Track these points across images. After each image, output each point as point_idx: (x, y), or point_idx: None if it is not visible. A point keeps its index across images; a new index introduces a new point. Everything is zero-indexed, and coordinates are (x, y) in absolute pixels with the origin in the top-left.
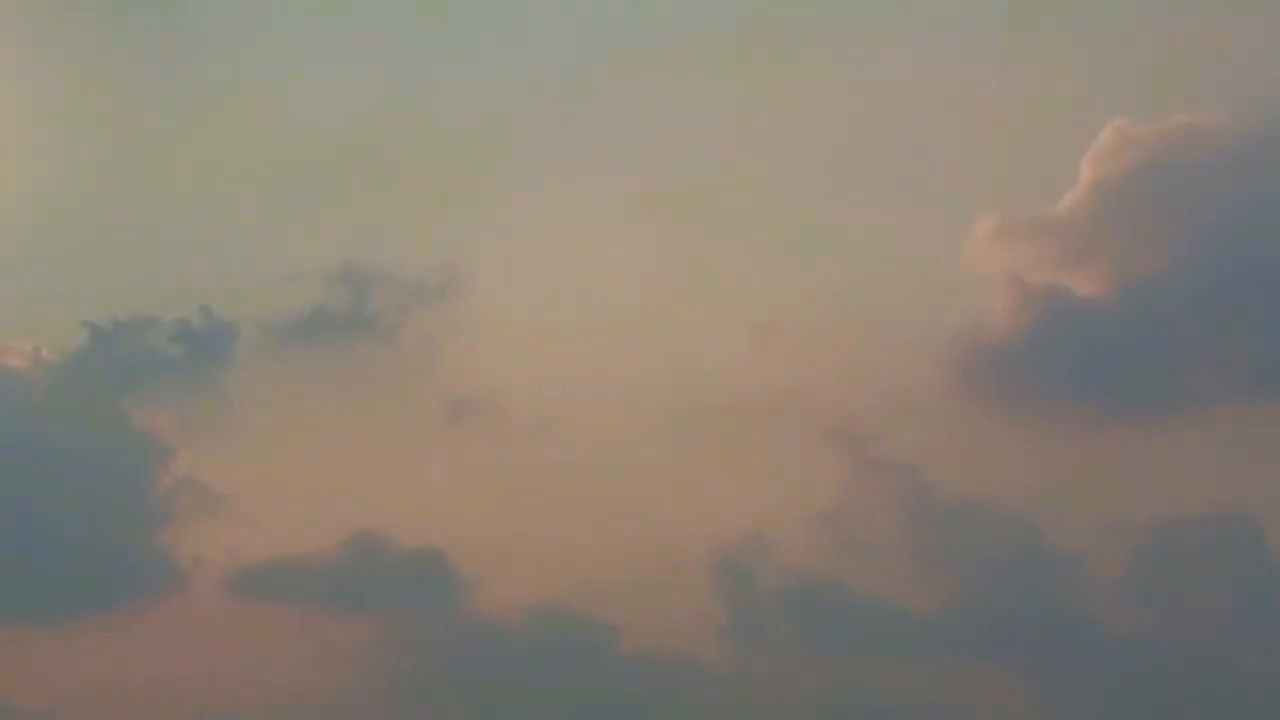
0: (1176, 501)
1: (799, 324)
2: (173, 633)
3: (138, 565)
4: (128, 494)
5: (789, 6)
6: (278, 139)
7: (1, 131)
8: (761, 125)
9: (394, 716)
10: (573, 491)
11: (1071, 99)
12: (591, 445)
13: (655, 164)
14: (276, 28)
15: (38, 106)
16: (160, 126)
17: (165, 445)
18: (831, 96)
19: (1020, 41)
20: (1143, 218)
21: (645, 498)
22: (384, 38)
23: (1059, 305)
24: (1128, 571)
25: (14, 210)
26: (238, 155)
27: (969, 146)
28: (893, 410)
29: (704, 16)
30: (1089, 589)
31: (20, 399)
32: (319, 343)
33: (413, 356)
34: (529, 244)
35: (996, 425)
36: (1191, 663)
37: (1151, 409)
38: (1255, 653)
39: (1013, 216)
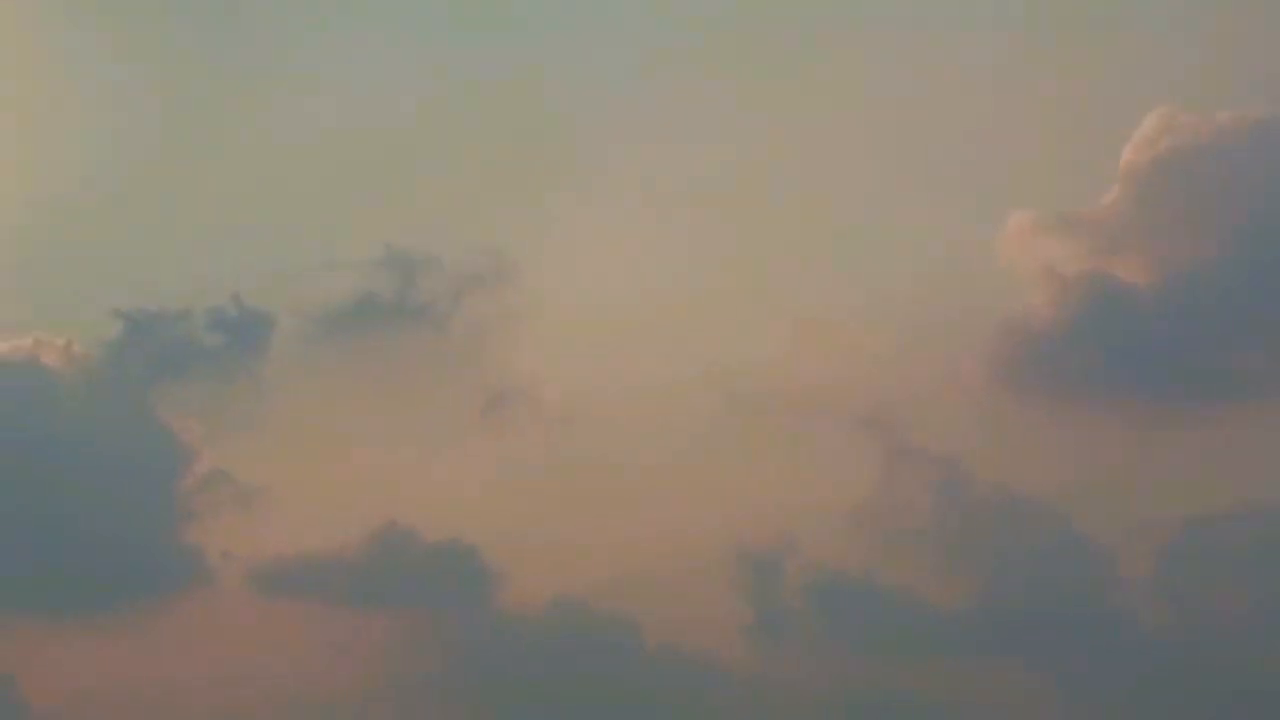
0: (1215, 496)
1: (838, 319)
2: (199, 628)
3: (165, 561)
4: (158, 488)
5: (827, 5)
6: (325, 129)
7: (33, 124)
8: (801, 123)
9: (419, 711)
10: (608, 485)
11: (1115, 89)
12: (629, 439)
13: (699, 161)
14: (323, 17)
15: (70, 97)
16: (203, 114)
17: (197, 438)
18: (871, 94)
19: (1065, 31)
20: (1183, 210)
21: (680, 492)
22: (436, 30)
23: (1099, 297)
24: (1164, 568)
25: (46, 202)
26: (281, 145)
27: (1008, 139)
28: (929, 404)
29: (747, 16)
30: (1125, 586)
31: (51, 392)
32: (357, 332)
33: (453, 347)
34: (574, 236)
35: (1034, 419)
36: (1227, 661)
37: (1190, 403)
38: None
39: (1051, 208)
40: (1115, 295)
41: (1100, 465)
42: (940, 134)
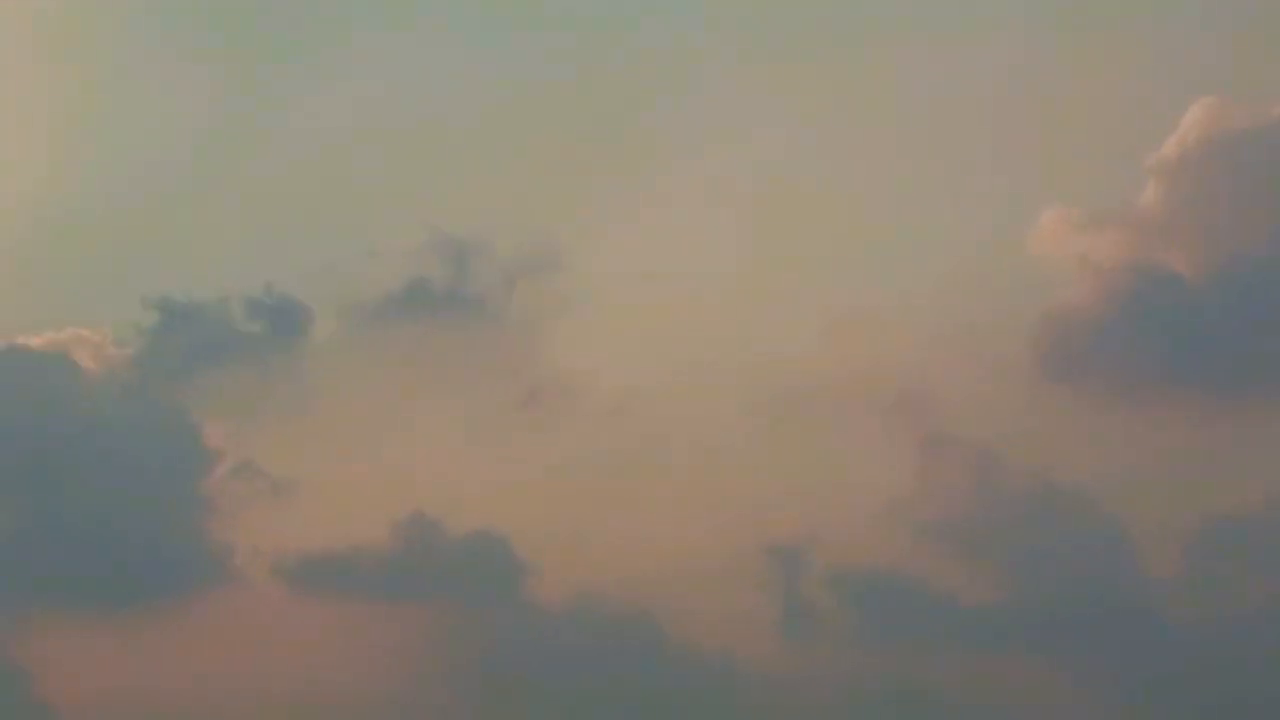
0: (1254, 491)
1: (876, 313)
2: (226, 625)
3: (194, 557)
4: (188, 484)
5: (864, 3)
6: (377, 117)
7: (78, 121)
8: (840, 121)
9: (447, 706)
10: (646, 478)
11: (1159, 81)
12: (668, 431)
13: (743, 159)
14: (378, 6)
15: (99, 86)
16: (249, 105)
17: (228, 433)
18: (908, 91)
19: (1107, 23)
20: (1224, 201)
21: (715, 487)
22: (494, 21)
23: (1139, 289)
24: (1201, 563)
25: (87, 196)
26: (329, 132)
27: (1048, 132)
28: (965, 398)
29: (787, 16)
30: (1160, 581)
31: (82, 386)
32: (397, 322)
33: (495, 337)
34: (619, 228)
35: (1070, 413)
36: (1261, 659)
37: (1231, 394)
38: None
39: (1091, 201)
40: (1156, 287)
41: (1140, 458)
42: (977, 129)
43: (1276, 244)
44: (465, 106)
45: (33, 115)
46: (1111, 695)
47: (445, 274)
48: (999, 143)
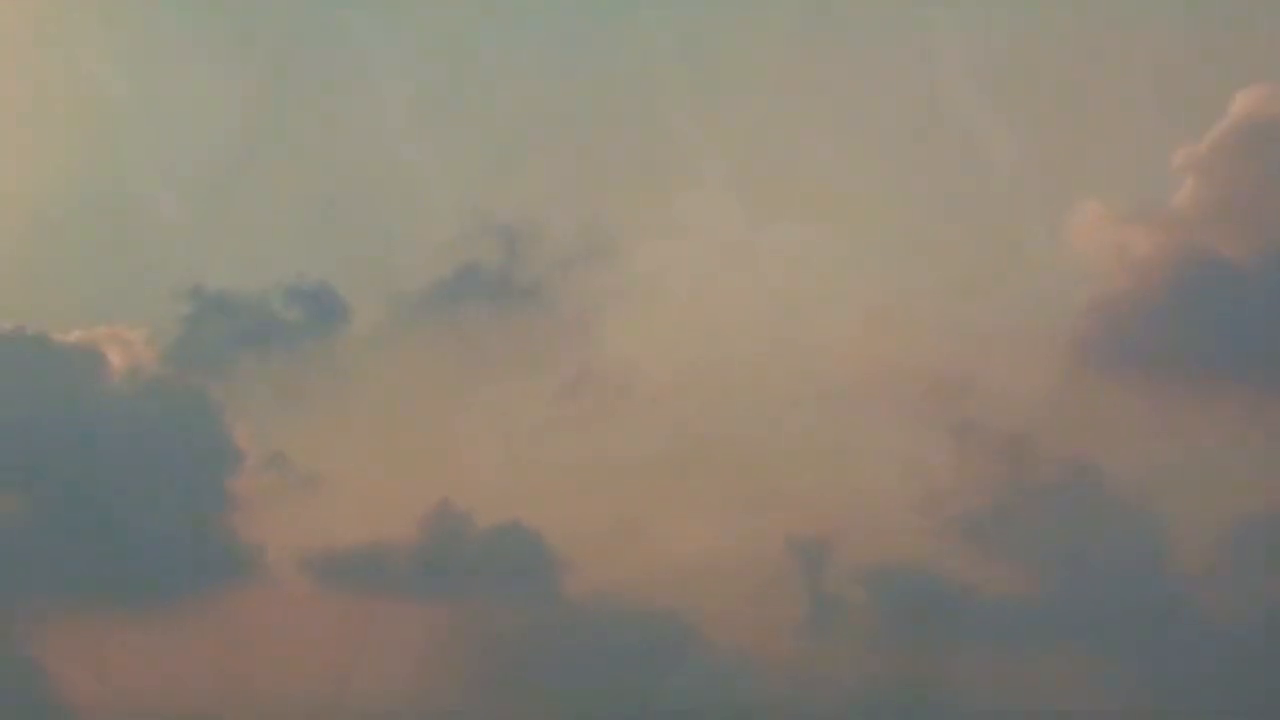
0: None
1: (917, 307)
2: (252, 622)
3: (221, 552)
4: (217, 479)
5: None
6: (426, 102)
7: (95, 109)
8: (880, 117)
9: (474, 702)
10: (682, 471)
11: (1201, 70)
12: (705, 424)
13: (787, 154)
14: None
15: (132, 78)
16: (294, 97)
17: (258, 428)
18: (952, 86)
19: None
20: (1267, 191)
21: (752, 481)
22: (552, 11)
23: (1181, 280)
24: (1236, 558)
25: (114, 188)
26: (376, 118)
27: (1088, 122)
28: (1005, 391)
29: (830, 15)
30: (1194, 576)
31: (112, 380)
32: (445, 310)
33: (539, 327)
34: (661, 222)
35: (1113, 406)
36: None
37: (1273, 387)
38: None
39: (1131, 192)
40: (1197, 279)
41: (1179, 453)
42: (1016, 121)
43: None
44: (516, 91)
45: (62, 108)
46: (1144, 693)
47: (494, 261)
48: (1039, 134)
